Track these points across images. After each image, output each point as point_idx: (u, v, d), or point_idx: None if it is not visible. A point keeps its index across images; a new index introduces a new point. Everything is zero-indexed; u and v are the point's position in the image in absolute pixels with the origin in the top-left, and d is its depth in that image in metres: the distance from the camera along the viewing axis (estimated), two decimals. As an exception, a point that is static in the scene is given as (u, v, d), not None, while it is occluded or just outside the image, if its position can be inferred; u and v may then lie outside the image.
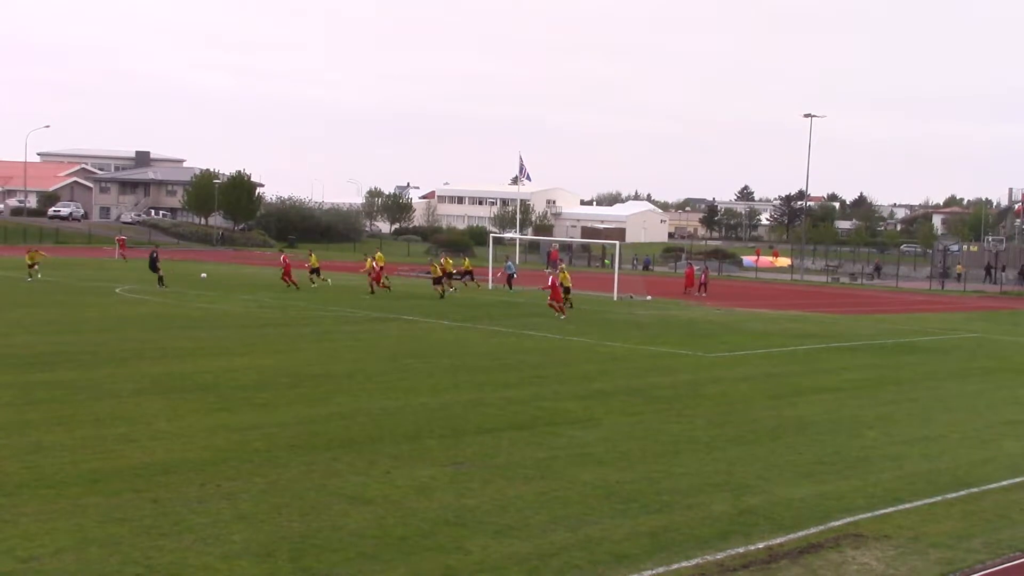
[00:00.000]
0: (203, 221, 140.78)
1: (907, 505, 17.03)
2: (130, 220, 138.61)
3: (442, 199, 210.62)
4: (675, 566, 13.44)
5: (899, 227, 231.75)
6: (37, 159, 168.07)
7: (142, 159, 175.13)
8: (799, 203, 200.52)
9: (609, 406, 25.00)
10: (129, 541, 13.47)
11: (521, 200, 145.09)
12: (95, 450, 18.27)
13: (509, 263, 69.10)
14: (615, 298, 62.14)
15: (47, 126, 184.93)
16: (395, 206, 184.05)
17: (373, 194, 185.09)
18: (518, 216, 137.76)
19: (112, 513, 14.63)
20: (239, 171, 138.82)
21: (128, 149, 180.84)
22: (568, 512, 15.74)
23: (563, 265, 56.82)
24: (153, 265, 57.08)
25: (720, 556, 13.93)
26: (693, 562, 13.64)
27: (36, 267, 56.96)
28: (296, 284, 57.97)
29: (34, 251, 59.73)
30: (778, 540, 14.76)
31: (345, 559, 13.20)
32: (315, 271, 61.40)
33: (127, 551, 13.08)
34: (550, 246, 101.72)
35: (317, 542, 13.80)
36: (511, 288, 65.33)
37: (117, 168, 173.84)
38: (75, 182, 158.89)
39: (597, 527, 15.04)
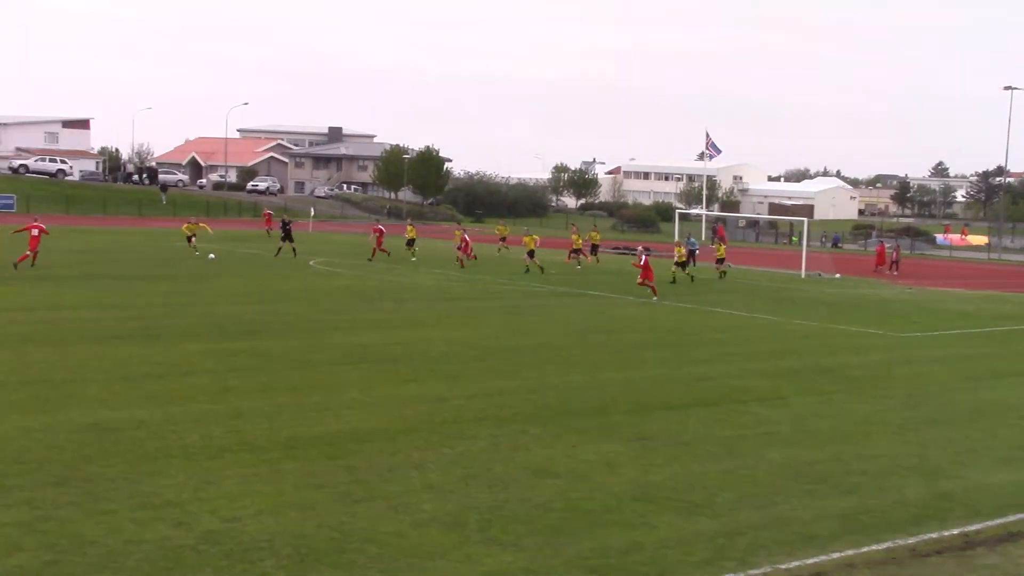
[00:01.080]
0: (393, 195, 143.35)
1: (1112, 494, 16.36)
2: (323, 194, 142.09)
3: (628, 175, 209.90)
4: (865, 549, 13.20)
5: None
6: (237, 135, 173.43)
7: (335, 135, 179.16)
8: (997, 179, 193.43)
9: (797, 385, 24.65)
10: (324, 506, 13.90)
11: (708, 176, 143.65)
12: (292, 417, 18.87)
13: (691, 239, 68.38)
14: (803, 276, 61.12)
15: (246, 103, 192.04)
16: (581, 182, 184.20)
17: (559, 169, 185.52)
18: (704, 192, 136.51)
19: (308, 479, 15.11)
20: (428, 146, 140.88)
21: (322, 125, 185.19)
22: (755, 491, 15.61)
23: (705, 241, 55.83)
24: (287, 234, 57.35)
25: (912, 541, 13.62)
26: (884, 546, 13.37)
27: (194, 239, 57.24)
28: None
29: (193, 223, 59.93)
30: (975, 527, 14.35)
31: (532, 531, 13.36)
32: (410, 243, 61.04)
33: (322, 516, 13.49)
34: (715, 222, 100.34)
35: (504, 513, 14.00)
36: (694, 265, 64.50)
37: (311, 144, 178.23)
38: (272, 157, 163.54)
39: (785, 507, 14.88)
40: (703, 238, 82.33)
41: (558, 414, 20.19)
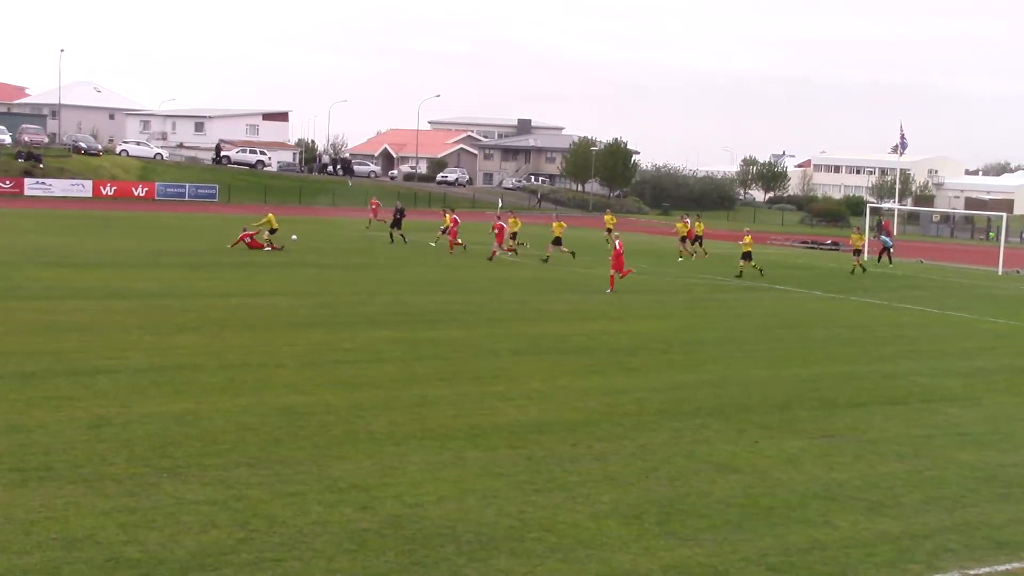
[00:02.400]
0: (580, 188, 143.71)
1: None
2: (511, 186, 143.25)
3: (818, 168, 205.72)
4: (1059, 557, 12.78)
5: None
6: (428, 127, 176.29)
7: (523, 127, 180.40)
8: None
9: (992, 385, 23.90)
10: (505, 495, 14.10)
11: (901, 169, 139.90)
12: (475, 406, 19.16)
13: (884, 236, 66.64)
14: (1000, 272, 59.07)
15: (437, 95, 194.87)
16: (769, 175, 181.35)
17: (748, 162, 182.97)
18: (897, 186, 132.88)
19: (490, 467, 15.35)
20: (615, 139, 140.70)
21: (511, 117, 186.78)
22: (943, 493, 15.23)
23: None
24: (398, 222, 56.66)
25: (1110, 550, 13.12)
26: (1079, 554, 12.91)
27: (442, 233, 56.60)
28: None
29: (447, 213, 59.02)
30: None
31: (711, 526, 13.32)
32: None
33: (503, 504, 13.70)
34: (882, 216, 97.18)
35: (684, 507, 13.98)
36: (890, 261, 62.77)
37: (500, 136, 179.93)
38: (461, 149, 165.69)
39: (975, 511, 14.48)
40: (896, 232, 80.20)
41: (740, 409, 20.03)
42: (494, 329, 28.59)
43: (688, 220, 60.94)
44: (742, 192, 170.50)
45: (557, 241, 51.65)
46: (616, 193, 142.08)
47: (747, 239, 48.83)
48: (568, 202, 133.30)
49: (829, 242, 79.91)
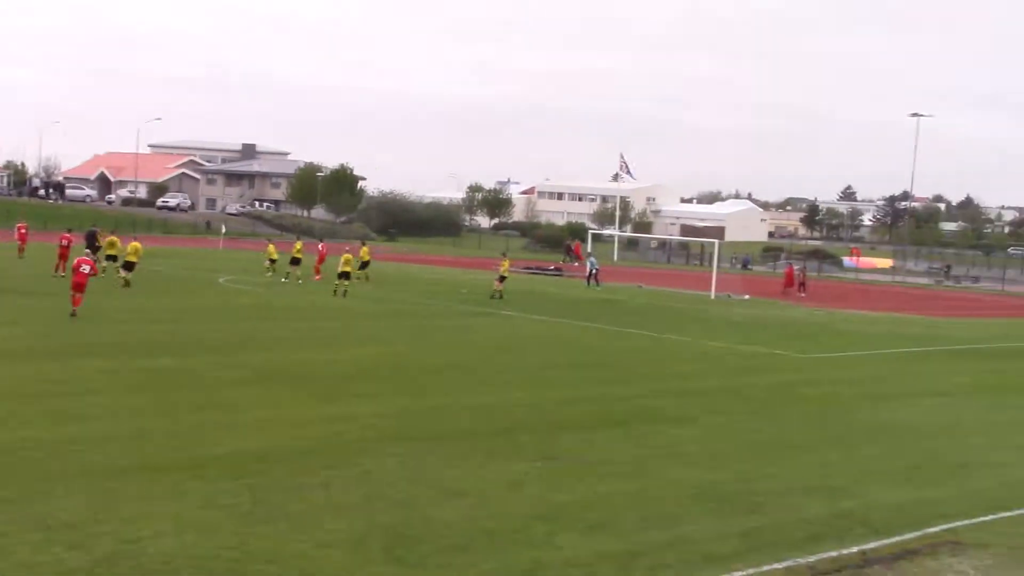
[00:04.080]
0: (306, 213, 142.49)
1: (1008, 513, 16.71)
2: (235, 211, 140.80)
3: (542, 195, 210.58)
4: (766, 568, 13.34)
5: (1007, 229, 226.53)
6: (148, 151, 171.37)
7: (248, 152, 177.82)
8: (903, 204, 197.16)
9: (704, 405, 24.87)
10: (226, 526, 13.71)
11: (621, 197, 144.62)
12: (196, 437, 18.60)
13: (591, 259, 68.88)
14: (712, 296, 61.75)
15: (158, 119, 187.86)
16: (495, 201, 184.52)
17: (473, 189, 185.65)
18: (617, 213, 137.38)
19: (211, 499, 14.90)
20: (342, 165, 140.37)
21: (235, 142, 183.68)
22: (660, 511, 15.70)
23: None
24: (91, 243, 52.21)
25: (812, 559, 13.79)
26: (784, 564, 13.52)
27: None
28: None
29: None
30: (872, 545, 14.57)
31: (436, 550, 13.31)
32: (295, 261, 55.10)
33: (224, 536, 13.31)
34: (573, 239, 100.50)
35: (409, 533, 13.92)
36: (598, 285, 64.94)
37: (224, 160, 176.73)
38: (183, 173, 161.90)
39: (689, 527, 14.98)
40: (616, 258, 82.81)
41: (466, 434, 20.16)
42: (216, 357, 27.91)
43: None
44: (468, 218, 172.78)
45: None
46: (342, 219, 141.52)
47: (505, 264, 52.26)
48: (293, 228, 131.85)
49: (552, 268, 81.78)
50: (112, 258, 50.36)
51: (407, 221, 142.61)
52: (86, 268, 35.01)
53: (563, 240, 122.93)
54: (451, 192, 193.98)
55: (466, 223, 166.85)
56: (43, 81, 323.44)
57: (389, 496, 15.59)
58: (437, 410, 22.31)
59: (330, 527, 13.94)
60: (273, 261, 56.52)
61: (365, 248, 60.00)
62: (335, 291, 48.16)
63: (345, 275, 48.75)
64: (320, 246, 61.03)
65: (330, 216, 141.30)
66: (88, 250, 51.76)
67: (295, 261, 54.98)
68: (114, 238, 51.85)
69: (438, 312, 43.93)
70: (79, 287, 34.45)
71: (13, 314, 34.78)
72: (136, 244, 47.30)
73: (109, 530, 13.28)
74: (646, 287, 67.05)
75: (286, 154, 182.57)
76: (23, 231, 61.80)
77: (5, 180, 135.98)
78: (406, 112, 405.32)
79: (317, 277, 55.52)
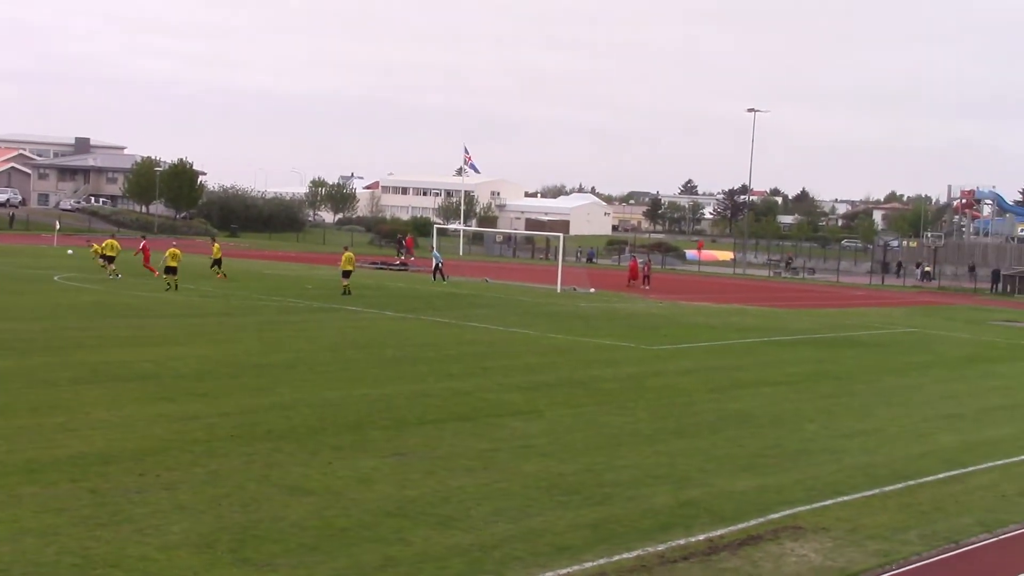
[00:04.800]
0: (144, 209, 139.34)
1: (846, 498, 17.20)
2: (69, 207, 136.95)
3: (386, 190, 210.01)
4: (616, 558, 13.49)
5: (841, 222, 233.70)
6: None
7: (82, 146, 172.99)
8: (742, 197, 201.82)
9: (552, 398, 25.04)
10: (66, 531, 13.31)
11: (465, 191, 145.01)
12: (32, 439, 18.03)
13: (435, 252, 69.02)
14: (559, 290, 62.26)
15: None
16: (339, 196, 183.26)
17: (317, 184, 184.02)
18: (462, 207, 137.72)
19: (49, 503, 14.45)
20: (181, 159, 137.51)
21: (68, 135, 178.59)
22: (510, 504, 15.75)
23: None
24: None
25: (661, 548, 13.99)
26: (634, 554, 13.69)
27: None
28: (155, 272, 53.95)
29: None
30: (718, 532, 14.85)
31: (286, 550, 13.13)
32: (217, 262, 56.69)
33: (64, 541, 12.92)
34: (405, 234, 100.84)
35: (258, 533, 13.71)
36: (444, 279, 65.16)
37: (56, 154, 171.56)
38: (12, 168, 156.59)
39: (539, 519, 15.06)
40: (462, 252, 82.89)
41: (313, 431, 19.95)
42: (52, 357, 27.09)
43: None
44: (312, 213, 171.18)
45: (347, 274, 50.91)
46: (183, 215, 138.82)
47: (347, 255, 51.91)
48: (132, 224, 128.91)
49: (398, 262, 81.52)
50: None
51: (249, 216, 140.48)
52: None
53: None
54: (295, 187, 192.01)
55: (310, 218, 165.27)
56: None
57: (236, 496, 15.33)
58: (283, 407, 22.02)
59: (176, 529, 13.65)
60: (108, 259, 54.83)
61: (216, 245, 59.15)
62: (167, 286, 48.10)
63: (172, 270, 48.85)
64: (142, 244, 59.19)
65: (170, 212, 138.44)
66: None
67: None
68: None
69: (283, 308, 43.39)
70: None
71: None
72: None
73: (-59, 538, 12.78)
74: (493, 281, 67.27)
75: (122, 148, 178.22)
76: None
77: None
78: (250, 106, 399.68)
79: (156, 274, 54.29)
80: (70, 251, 58.48)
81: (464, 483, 16.81)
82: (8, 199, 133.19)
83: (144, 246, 57.93)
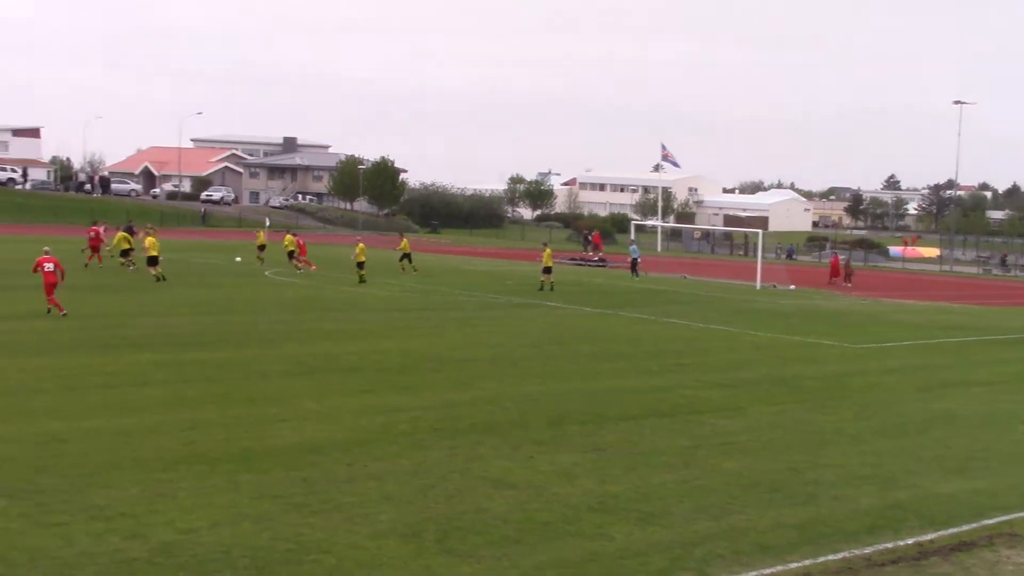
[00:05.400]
0: (348, 206, 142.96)
1: (1063, 504, 16.52)
2: (278, 204, 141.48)
3: (584, 186, 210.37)
4: (821, 559, 13.28)
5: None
6: (191, 145, 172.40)
7: (289, 145, 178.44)
8: (948, 192, 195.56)
9: (753, 395, 24.75)
10: (280, 518, 13.81)
11: (663, 188, 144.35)
12: (247, 428, 18.75)
13: (633, 247, 68.69)
14: (758, 287, 61.45)
15: (200, 113, 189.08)
16: (537, 193, 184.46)
17: (515, 180, 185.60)
18: (660, 203, 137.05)
19: (264, 490, 15.02)
20: (383, 157, 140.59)
21: (277, 135, 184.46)
22: (711, 501, 15.65)
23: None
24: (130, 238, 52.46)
25: (868, 551, 13.70)
26: (840, 555, 13.45)
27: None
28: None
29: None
30: (928, 536, 14.45)
31: (489, 542, 13.34)
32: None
33: (278, 528, 13.41)
34: (591, 229, 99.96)
35: (461, 524, 13.97)
36: (636, 274, 64.90)
37: (266, 154, 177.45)
38: (226, 167, 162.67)
39: (741, 517, 14.93)
40: (659, 248, 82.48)
41: (514, 425, 20.18)
42: (264, 350, 28.08)
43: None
44: (510, 210, 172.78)
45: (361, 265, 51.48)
46: (385, 212, 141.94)
47: (547, 252, 51.75)
48: (336, 220, 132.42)
49: (596, 259, 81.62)
50: (126, 253, 50.67)
51: (449, 213, 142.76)
52: (49, 267, 33.16)
53: (605, 232, 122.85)
54: (493, 184, 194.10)
55: (508, 215, 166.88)
56: (88, 77, 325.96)
57: (440, 488, 15.63)
58: (485, 401, 22.33)
59: (383, 518, 14.01)
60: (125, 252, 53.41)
61: (404, 240, 60.30)
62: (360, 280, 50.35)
63: (361, 264, 51.48)
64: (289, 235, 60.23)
65: (372, 208, 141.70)
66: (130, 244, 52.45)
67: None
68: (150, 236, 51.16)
69: (483, 304, 43.96)
70: (51, 288, 32.83)
71: (66, 308, 35.12)
72: (152, 239, 47.29)
73: (165, 520, 13.42)
74: (690, 278, 66.80)
75: (327, 147, 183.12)
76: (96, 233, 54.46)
77: (51, 176, 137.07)
78: (448, 104, 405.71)
79: (312, 267, 56.26)
80: (238, 259, 60.83)
81: (665, 479, 16.78)
82: (222, 197, 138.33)
83: (298, 241, 59.02)
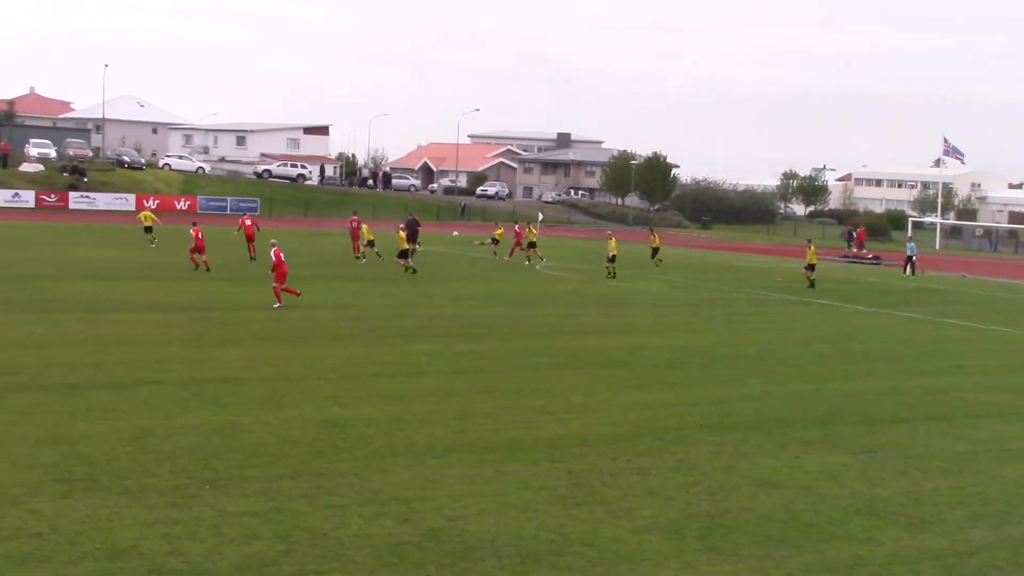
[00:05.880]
0: (619, 201, 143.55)
1: None
2: (551, 199, 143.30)
3: (859, 181, 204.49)
4: (1108, 575, 12.61)
5: None
6: (467, 141, 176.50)
7: (563, 140, 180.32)
8: None
9: (1037, 401, 23.64)
10: (545, 509, 14.06)
11: (943, 183, 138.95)
12: (515, 419, 19.14)
13: (911, 244, 66.21)
14: (1046, 287, 58.51)
15: (477, 110, 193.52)
16: (810, 188, 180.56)
17: (788, 176, 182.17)
18: (939, 199, 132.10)
19: (530, 481, 15.31)
20: (655, 152, 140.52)
21: (550, 131, 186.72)
22: (988, 510, 15.06)
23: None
24: (413, 232, 52.02)
25: None
26: None
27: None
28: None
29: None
30: None
31: (752, 541, 13.23)
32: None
33: (543, 518, 13.65)
34: (857, 226, 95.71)
35: (724, 522, 13.89)
36: (912, 273, 62.45)
37: (539, 149, 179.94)
38: (501, 163, 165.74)
39: (1021, 527, 14.32)
40: (938, 246, 79.45)
41: (781, 424, 19.89)
42: (533, 343, 28.56)
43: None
44: (782, 206, 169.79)
45: (612, 259, 51.17)
46: (656, 207, 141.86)
47: (811, 250, 51.03)
48: (608, 216, 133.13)
49: (871, 256, 79.39)
50: (371, 243, 51.97)
51: (720, 209, 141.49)
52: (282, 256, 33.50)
53: (881, 228, 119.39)
54: (765, 180, 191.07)
55: (781, 211, 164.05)
56: (372, 77, 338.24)
57: (704, 484, 15.58)
58: (752, 399, 22.09)
59: (646, 513, 14.08)
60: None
61: (655, 235, 60.11)
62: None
63: (532, 244, 55.05)
64: (517, 227, 61.37)
65: (643, 204, 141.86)
66: (409, 240, 53.99)
67: (532, 245, 57.61)
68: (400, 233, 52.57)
69: (753, 301, 43.44)
70: (284, 277, 33.22)
71: (344, 298, 36.69)
72: (402, 234, 48.44)
73: (434, 507, 13.86)
74: (970, 276, 64.18)
75: (600, 143, 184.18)
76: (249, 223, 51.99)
77: (337, 171, 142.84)
78: (717, 99, 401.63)
79: (507, 258, 57.12)
80: (477, 243, 63.82)
81: (938, 485, 16.25)
82: (497, 192, 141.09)
83: (518, 231, 59.67)
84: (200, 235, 43.28)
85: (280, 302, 32.75)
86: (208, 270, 42.07)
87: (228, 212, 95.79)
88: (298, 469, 15.25)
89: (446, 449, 16.79)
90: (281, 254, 33.49)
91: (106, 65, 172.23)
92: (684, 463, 16.74)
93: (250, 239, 48.70)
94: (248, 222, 50.56)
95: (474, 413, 19.41)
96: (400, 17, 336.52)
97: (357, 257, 52.28)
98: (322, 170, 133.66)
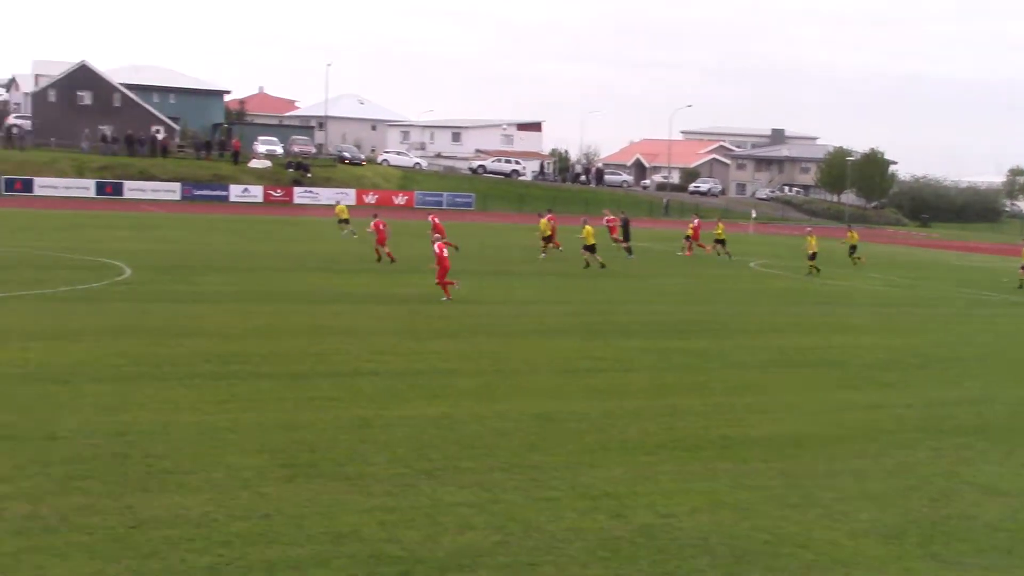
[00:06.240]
0: (835, 198, 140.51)
1: None
2: (764, 196, 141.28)
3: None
4: None
5: None
6: (680, 137, 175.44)
7: (777, 137, 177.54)
8: None
9: None
10: (758, 509, 13.89)
11: None
12: (725, 417, 18.95)
13: None
14: None
15: (689, 106, 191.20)
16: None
17: (1015, 172, 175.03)
18: None
19: (742, 480, 15.15)
20: (872, 148, 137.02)
21: (764, 127, 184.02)
22: None
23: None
24: (626, 230, 53.70)
25: None
26: None
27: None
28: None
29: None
30: None
31: (976, 550, 12.80)
32: (852, 248, 56.82)
33: (756, 518, 13.49)
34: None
35: (946, 529, 13.48)
36: None
37: (753, 146, 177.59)
38: (714, 159, 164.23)
39: None
40: None
41: (1007, 430, 19.17)
42: (744, 340, 28.22)
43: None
44: (1009, 203, 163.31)
45: (813, 256, 50.11)
46: (873, 204, 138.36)
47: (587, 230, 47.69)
48: (822, 213, 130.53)
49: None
50: (547, 239, 51.17)
51: (940, 207, 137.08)
52: (446, 252, 33.60)
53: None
54: (989, 176, 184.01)
55: (1007, 208, 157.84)
56: (585, 73, 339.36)
57: (924, 490, 15.14)
58: (973, 403, 21.36)
59: (863, 517, 13.76)
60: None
61: (853, 233, 58.56)
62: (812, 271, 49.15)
63: (812, 256, 49.82)
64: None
65: (860, 201, 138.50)
66: (624, 239, 54.09)
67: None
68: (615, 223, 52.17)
69: (974, 301, 41.96)
70: (445, 272, 33.20)
71: (559, 294, 36.96)
72: (589, 228, 48.04)
73: (646, 503, 13.85)
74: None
75: (814, 139, 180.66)
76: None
77: (551, 167, 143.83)
78: (939, 93, 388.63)
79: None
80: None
81: None
82: (709, 188, 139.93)
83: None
84: (383, 227, 44.12)
85: (448, 296, 32.86)
86: (393, 261, 42.86)
87: (444, 207, 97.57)
88: (512, 461, 15.44)
89: (657, 446, 16.75)
90: (445, 249, 33.67)
91: (328, 65, 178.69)
92: (902, 467, 16.30)
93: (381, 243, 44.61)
94: (382, 226, 44.97)
95: (684, 410, 19.30)
96: (606, 13, 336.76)
97: (549, 252, 50.75)
98: (542, 167, 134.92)
